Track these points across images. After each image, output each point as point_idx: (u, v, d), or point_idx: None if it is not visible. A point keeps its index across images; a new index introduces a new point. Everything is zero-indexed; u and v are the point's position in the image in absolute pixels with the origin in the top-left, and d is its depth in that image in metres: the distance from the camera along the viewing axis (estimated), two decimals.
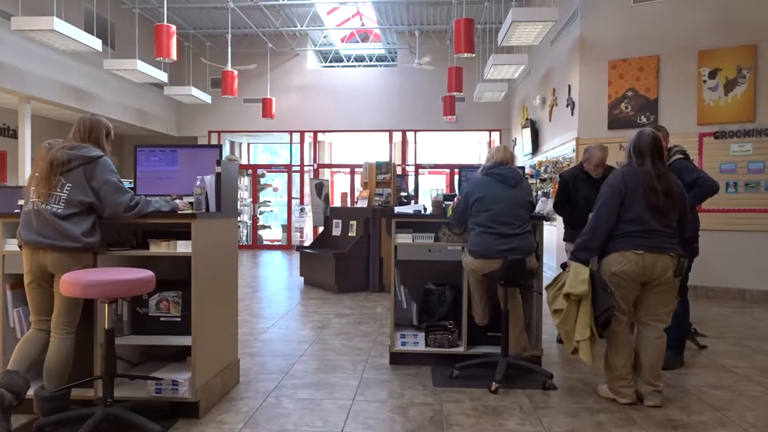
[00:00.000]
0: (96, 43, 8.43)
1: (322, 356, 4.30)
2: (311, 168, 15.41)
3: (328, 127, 15.06)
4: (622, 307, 3.23)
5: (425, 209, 4.46)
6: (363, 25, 14.65)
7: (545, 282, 3.61)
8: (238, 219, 7.48)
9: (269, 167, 16.24)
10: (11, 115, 10.98)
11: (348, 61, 16.60)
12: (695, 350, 4.52)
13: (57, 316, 2.80)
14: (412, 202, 8.68)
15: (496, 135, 15.02)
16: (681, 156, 4.10)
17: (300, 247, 8.67)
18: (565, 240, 4.88)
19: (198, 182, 3.18)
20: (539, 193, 9.96)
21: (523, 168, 4.63)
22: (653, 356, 3.26)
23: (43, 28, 7.56)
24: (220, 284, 3.32)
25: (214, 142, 15.00)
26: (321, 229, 9.14)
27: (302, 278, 8.32)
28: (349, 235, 7.82)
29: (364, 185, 8.69)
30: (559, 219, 5.61)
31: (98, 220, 2.87)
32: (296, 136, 15.20)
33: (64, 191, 2.77)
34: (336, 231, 8.24)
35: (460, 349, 3.96)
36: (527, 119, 11.58)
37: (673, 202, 3.20)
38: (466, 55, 8.84)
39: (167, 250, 2.99)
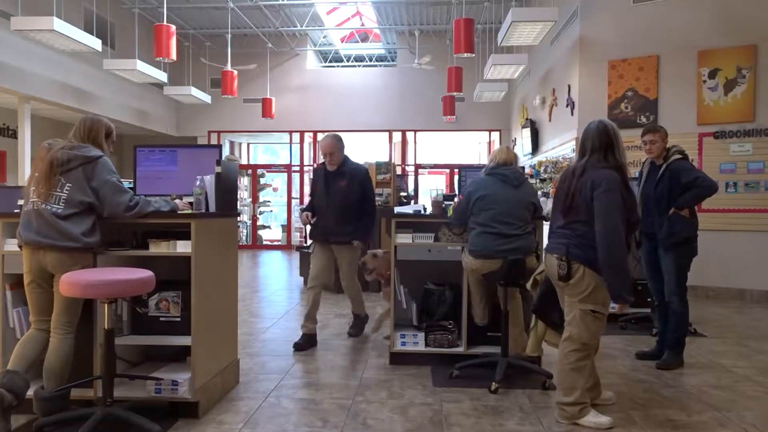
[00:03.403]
0: (96, 43, 8.43)
1: (322, 356, 4.30)
2: (311, 168, 15.42)
3: (328, 127, 15.02)
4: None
5: (425, 209, 4.46)
6: (363, 25, 14.65)
7: None
8: (238, 219, 7.49)
9: (269, 167, 16.24)
10: (11, 115, 10.98)
11: (348, 61, 16.60)
12: (695, 350, 4.51)
13: (57, 316, 2.80)
14: (412, 202, 8.67)
15: (495, 135, 15.02)
16: (680, 156, 4.11)
17: (300, 247, 8.67)
18: None
19: (198, 182, 3.18)
20: (539, 193, 9.95)
21: (522, 168, 4.63)
22: (557, 365, 3.06)
23: (43, 28, 7.56)
24: (220, 284, 3.32)
25: (214, 142, 15.00)
26: None
27: (302, 278, 8.31)
28: None
29: None
30: None
31: (98, 220, 2.87)
32: (296, 136, 15.20)
33: (64, 191, 2.77)
34: None
35: (460, 349, 3.96)
36: (527, 119, 11.58)
37: (575, 202, 2.93)
38: (466, 55, 8.84)
39: (167, 250, 2.99)
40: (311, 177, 4.93)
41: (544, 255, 3.15)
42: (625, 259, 2.84)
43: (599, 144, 2.97)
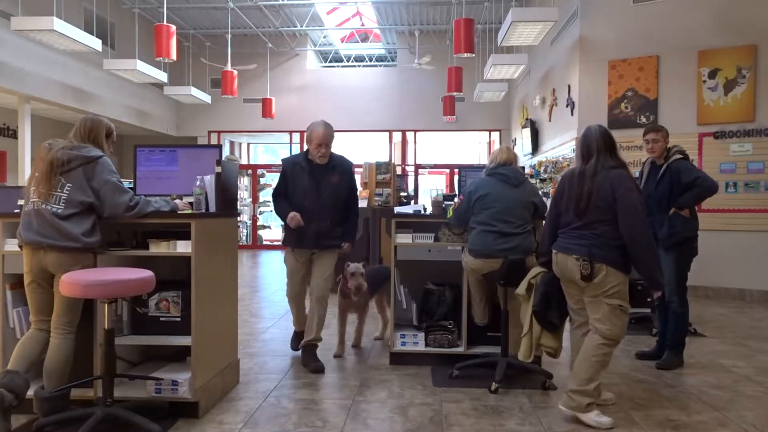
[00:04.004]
0: (96, 43, 8.44)
1: (322, 356, 4.29)
2: None
3: None
4: (571, 305, 3.23)
5: (425, 209, 4.46)
6: (363, 25, 14.65)
7: None
8: (238, 219, 7.50)
9: (269, 167, 16.24)
10: (11, 115, 10.98)
11: (348, 61, 16.60)
12: (695, 350, 4.51)
13: (57, 316, 2.80)
14: (412, 202, 8.67)
15: (495, 135, 15.02)
16: (680, 156, 4.11)
17: None
18: None
19: (198, 182, 3.18)
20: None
21: (522, 168, 4.60)
22: (578, 356, 3.07)
23: (43, 28, 7.57)
24: (220, 284, 3.32)
25: (214, 142, 15.01)
26: None
27: None
28: None
29: (364, 185, 8.68)
30: None
31: (98, 220, 2.87)
32: (296, 136, 15.20)
33: (64, 191, 2.77)
34: None
35: (460, 349, 3.96)
36: (527, 119, 11.58)
37: (593, 203, 2.99)
38: (466, 55, 8.85)
39: (167, 250, 2.99)
40: (285, 170, 4.06)
41: (556, 256, 3.15)
42: (656, 249, 3.09)
43: (605, 145, 3.09)
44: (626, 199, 2.95)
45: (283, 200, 4.03)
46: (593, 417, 2.96)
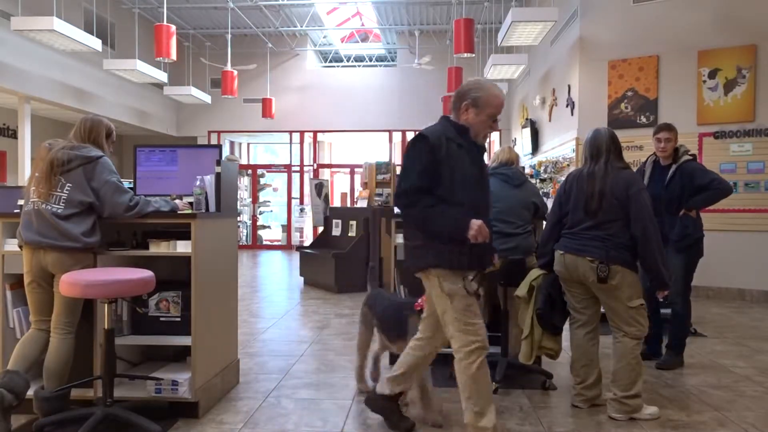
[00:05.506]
0: (96, 43, 8.44)
1: (322, 356, 4.30)
2: (311, 168, 15.42)
3: (328, 127, 15.07)
4: (573, 305, 3.25)
5: None
6: (363, 25, 14.65)
7: None
8: (238, 219, 7.51)
9: (269, 167, 16.24)
10: (11, 115, 10.99)
11: (348, 61, 16.60)
12: (695, 350, 4.51)
13: (57, 316, 2.80)
14: None
15: (495, 135, 15.01)
16: (690, 157, 4.08)
17: (300, 247, 8.68)
18: None
19: (198, 182, 3.18)
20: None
21: (523, 168, 4.58)
22: (615, 363, 3.09)
23: (43, 28, 7.57)
24: (220, 284, 3.32)
25: (214, 142, 15.01)
26: (321, 229, 9.15)
27: (302, 278, 8.32)
28: (349, 235, 7.83)
29: (364, 185, 8.70)
30: None
31: (98, 221, 2.87)
32: (296, 136, 15.20)
33: (64, 191, 2.78)
34: (336, 231, 8.25)
35: None
36: (527, 119, 11.58)
37: (606, 203, 3.01)
38: (466, 55, 8.86)
39: (167, 250, 2.99)
40: (435, 149, 2.51)
41: (563, 257, 3.14)
42: (664, 249, 3.12)
43: (613, 146, 3.16)
44: (639, 198, 3.01)
45: (436, 200, 2.51)
46: (646, 412, 3.06)
